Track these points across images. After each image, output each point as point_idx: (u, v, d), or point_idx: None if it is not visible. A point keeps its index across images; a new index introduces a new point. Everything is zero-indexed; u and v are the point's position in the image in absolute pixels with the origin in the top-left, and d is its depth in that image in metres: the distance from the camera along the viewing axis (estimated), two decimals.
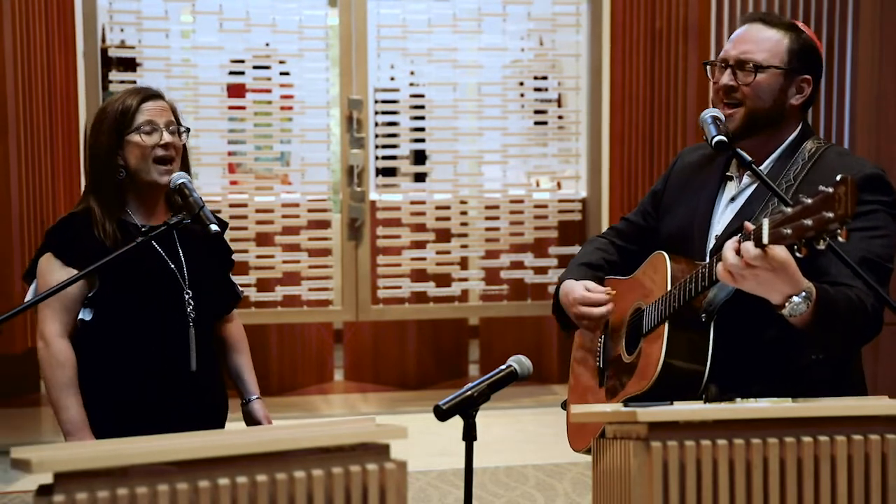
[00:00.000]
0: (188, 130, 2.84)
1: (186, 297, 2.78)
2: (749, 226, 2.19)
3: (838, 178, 2.00)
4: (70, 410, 2.70)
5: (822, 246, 2.04)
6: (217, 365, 2.91)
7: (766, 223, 2.12)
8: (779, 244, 2.10)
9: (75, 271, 2.67)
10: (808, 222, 2.03)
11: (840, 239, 2.02)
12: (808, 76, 2.51)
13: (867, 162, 2.50)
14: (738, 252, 2.17)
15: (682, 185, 2.71)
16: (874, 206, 2.39)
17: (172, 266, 2.78)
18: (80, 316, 2.74)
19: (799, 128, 2.54)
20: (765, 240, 2.11)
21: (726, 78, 2.50)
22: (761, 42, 2.49)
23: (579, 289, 2.68)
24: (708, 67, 2.58)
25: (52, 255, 2.74)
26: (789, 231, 2.06)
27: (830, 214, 2.00)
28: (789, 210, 2.07)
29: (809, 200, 2.04)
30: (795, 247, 2.06)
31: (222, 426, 2.89)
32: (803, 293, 2.19)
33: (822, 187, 2.02)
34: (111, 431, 2.64)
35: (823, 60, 2.61)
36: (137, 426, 2.61)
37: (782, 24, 2.53)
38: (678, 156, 2.83)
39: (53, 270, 2.72)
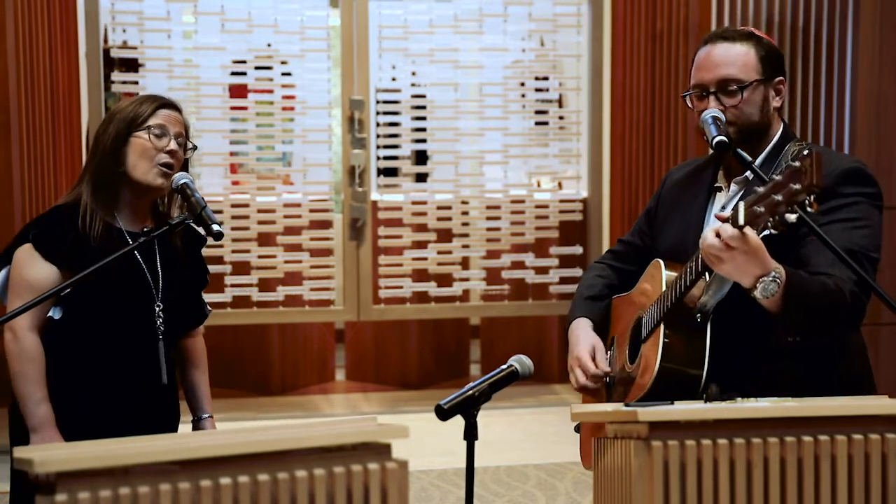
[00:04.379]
0: (195, 148, 2.83)
1: (157, 309, 2.76)
2: (721, 214, 2.24)
3: (804, 152, 2.06)
4: (39, 406, 2.66)
5: (793, 218, 2.09)
6: (175, 378, 2.90)
7: (741, 205, 2.17)
8: (755, 223, 2.15)
9: (53, 266, 2.67)
10: (779, 197, 2.09)
11: (810, 209, 2.07)
12: (781, 77, 2.55)
13: (847, 157, 2.55)
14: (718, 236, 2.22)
15: (673, 201, 2.74)
16: (856, 197, 2.42)
17: (149, 277, 2.75)
18: (50, 313, 2.70)
19: (780, 130, 2.56)
20: (741, 221, 2.16)
21: (713, 104, 2.50)
22: (735, 60, 2.50)
23: (585, 351, 2.70)
24: (687, 98, 2.58)
25: (31, 247, 2.70)
26: (762, 209, 2.12)
27: (798, 186, 2.06)
28: (761, 189, 2.13)
29: (778, 177, 2.09)
30: (770, 223, 2.11)
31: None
32: (773, 273, 2.23)
33: (789, 162, 2.08)
34: (77, 432, 2.63)
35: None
36: (103, 429, 2.61)
37: (741, 36, 2.54)
38: (666, 175, 2.87)
39: (32, 262, 2.69)
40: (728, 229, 2.19)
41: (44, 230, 2.72)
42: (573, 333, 2.77)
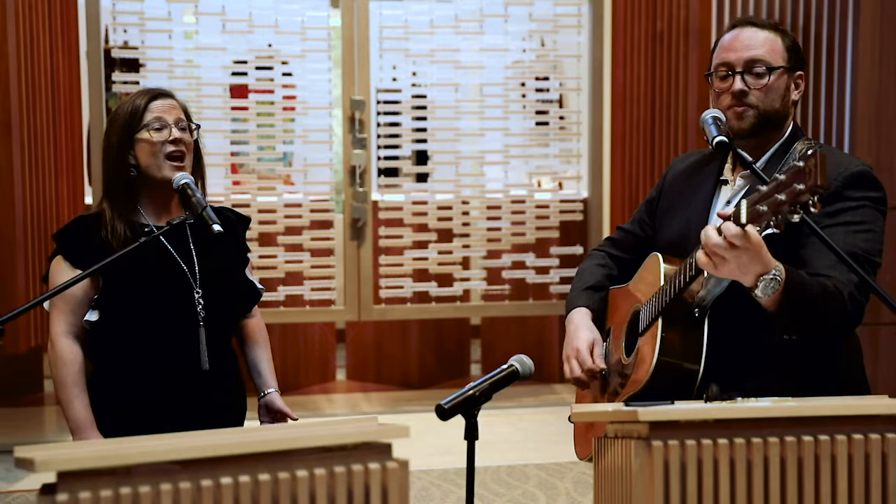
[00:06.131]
0: (199, 127, 2.86)
1: (196, 296, 2.78)
2: (725, 211, 2.23)
3: (808, 152, 2.04)
4: (74, 409, 2.72)
5: (796, 219, 2.08)
6: (236, 365, 2.91)
7: (744, 203, 2.16)
8: (757, 222, 2.14)
9: (82, 272, 2.70)
10: (782, 196, 2.07)
11: (813, 210, 2.06)
12: (801, 72, 2.56)
13: (855, 159, 2.53)
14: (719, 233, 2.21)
15: (676, 192, 2.73)
16: (862, 201, 2.42)
17: (183, 265, 2.78)
18: (87, 317, 2.75)
19: (790, 127, 2.56)
20: (743, 219, 2.15)
21: (739, 83, 2.50)
22: (763, 44, 2.51)
23: (584, 345, 2.71)
24: (709, 78, 2.58)
25: (61, 258, 2.78)
26: (765, 208, 2.11)
27: (801, 186, 2.04)
28: (764, 188, 2.11)
29: (782, 177, 2.08)
30: (772, 223, 2.10)
31: (240, 426, 2.88)
32: (773, 272, 2.22)
33: (793, 162, 2.07)
34: (124, 432, 2.63)
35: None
36: (150, 427, 2.62)
37: (770, 25, 2.56)
38: (670, 165, 2.86)
39: (62, 272, 2.75)
40: (731, 227, 2.17)
41: (68, 239, 2.78)
42: (572, 323, 2.77)
